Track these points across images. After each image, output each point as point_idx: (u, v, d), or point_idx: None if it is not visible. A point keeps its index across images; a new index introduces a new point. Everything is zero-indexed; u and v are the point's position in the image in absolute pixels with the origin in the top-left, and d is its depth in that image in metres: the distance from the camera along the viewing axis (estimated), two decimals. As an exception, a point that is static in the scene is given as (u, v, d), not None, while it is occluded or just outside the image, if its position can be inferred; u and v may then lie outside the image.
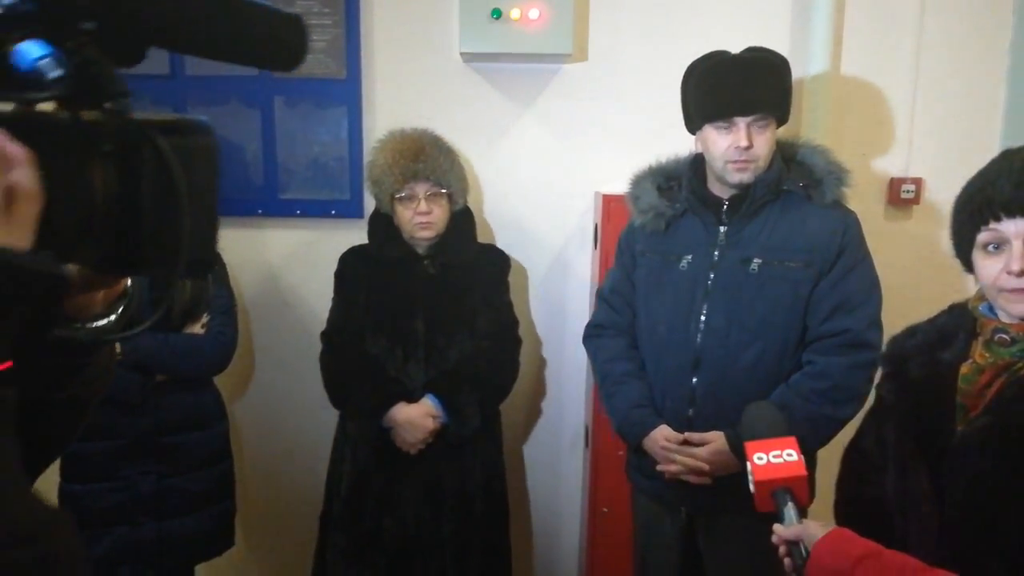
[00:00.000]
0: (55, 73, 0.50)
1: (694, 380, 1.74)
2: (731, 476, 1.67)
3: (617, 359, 1.87)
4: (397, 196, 2.05)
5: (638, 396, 1.80)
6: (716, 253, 1.73)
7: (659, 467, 1.75)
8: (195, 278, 0.63)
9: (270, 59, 0.63)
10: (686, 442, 1.73)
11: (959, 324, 1.24)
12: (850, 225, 1.70)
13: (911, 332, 1.31)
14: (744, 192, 1.71)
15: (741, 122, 1.65)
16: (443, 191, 2.06)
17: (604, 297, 1.97)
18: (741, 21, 2.34)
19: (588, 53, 2.41)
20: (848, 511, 1.42)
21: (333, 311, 2.18)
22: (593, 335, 1.97)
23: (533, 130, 2.45)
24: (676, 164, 1.87)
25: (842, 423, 1.64)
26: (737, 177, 1.68)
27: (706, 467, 1.69)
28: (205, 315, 2.04)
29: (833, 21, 2.31)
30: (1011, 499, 1.11)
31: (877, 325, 1.68)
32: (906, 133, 2.45)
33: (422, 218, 2.04)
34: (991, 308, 1.20)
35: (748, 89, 1.65)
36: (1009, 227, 1.11)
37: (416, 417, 2.01)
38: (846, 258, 1.67)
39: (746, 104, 1.65)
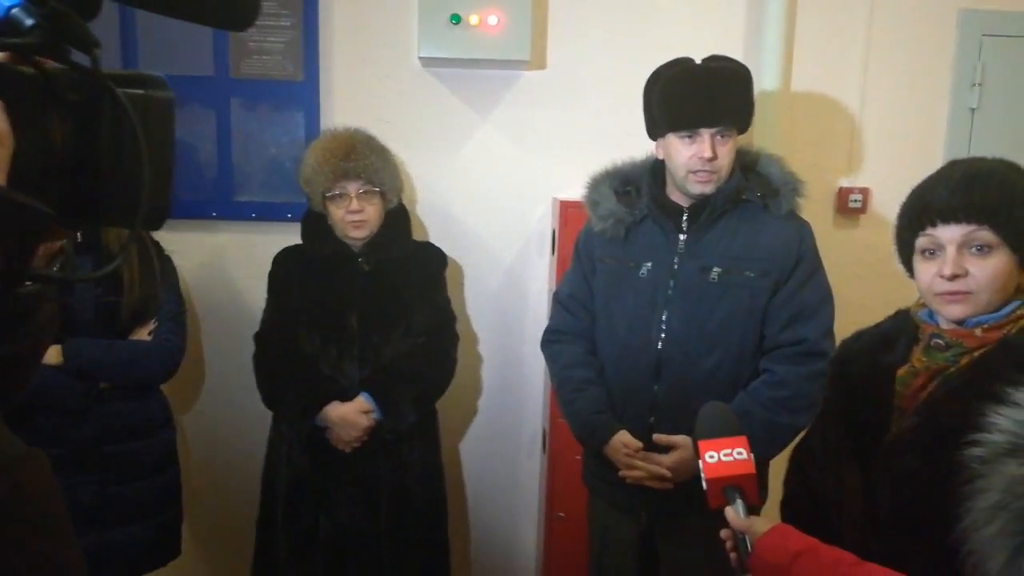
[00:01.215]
0: (30, 21, 0.50)
1: (655, 387, 1.75)
2: (693, 479, 1.69)
3: (576, 365, 1.87)
4: (328, 195, 2.05)
5: (597, 402, 1.81)
6: (676, 261, 1.76)
7: (621, 473, 1.76)
8: (151, 229, 0.64)
9: (223, 18, 0.63)
10: (648, 448, 1.74)
11: (902, 329, 1.29)
12: (805, 236, 1.74)
13: (857, 336, 1.36)
14: (704, 200, 1.73)
15: (706, 133, 1.67)
16: (375, 189, 2.05)
17: (561, 301, 1.97)
18: (697, 33, 2.39)
19: (546, 60, 2.43)
20: (792, 507, 1.45)
21: (266, 311, 2.17)
22: (551, 340, 1.97)
23: (491, 136, 2.46)
24: (633, 168, 1.88)
25: (798, 431, 1.67)
26: (699, 188, 1.71)
27: (669, 474, 1.71)
28: (153, 321, 2.00)
29: (784, 35, 2.38)
30: (933, 498, 1.14)
31: (831, 334, 1.72)
32: (854, 144, 2.53)
33: (354, 216, 2.03)
34: (931, 314, 1.24)
35: (714, 100, 1.67)
36: (944, 233, 1.15)
37: (350, 415, 2.00)
38: (802, 269, 1.71)
39: (712, 115, 1.67)
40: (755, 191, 1.76)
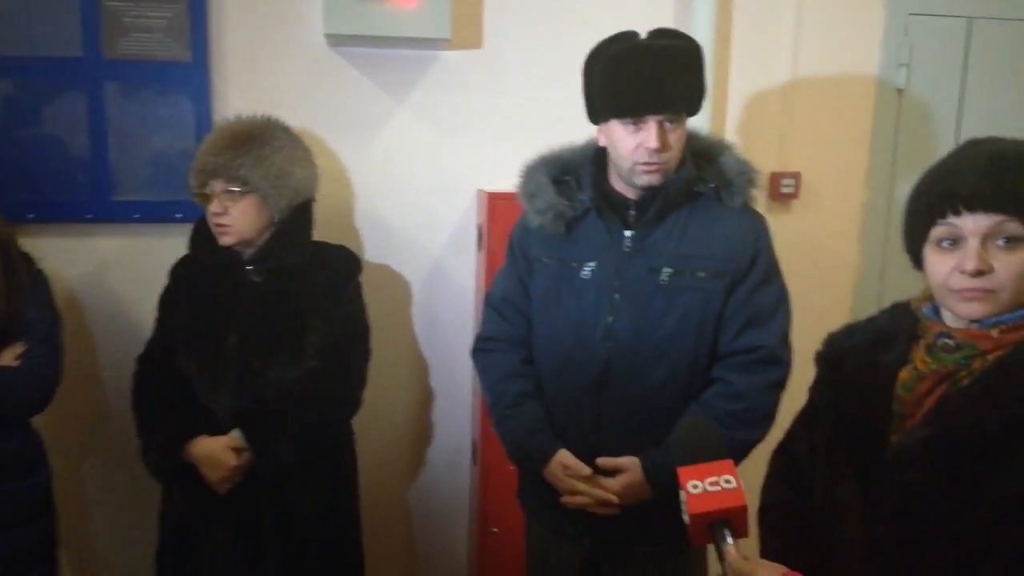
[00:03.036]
0: None
1: (600, 401, 1.58)
2: (640, 504, 1.54)
3: (510, 377, 1.68)
4: (195, 194, 1.81)
5: (535, 419, 1.62)
6: (622, 260, 1.58)
7: (563, 499, 1.58)
8: None
9: None
10: (596, 470, 1.57)
11: (900, 325, 1.16)
12: (761, 232, 1.60)
13: (849, 332, 1.23)
14: (653, 192, 1.56)
15: (652, 120, 1.50)
16: (235, 190, 1.77)
17: (494, 305, 1.77)
18: (629, 11, 2.24)
19: (469, 39, 2.23)
20: (773, 518, 1.33)
21: (153, 330, 1.90)
22: (483, 349, 1.76)
23: (409, 123, 2.25)
24: (572, 154, 1.69)
25: (755, 445, 1.54)
26: (645, 180, 1.54)
27: (616, 500, 1.54)
28: (21, 344, 1.70)
29: (716, 18, 2.27)
30: (942, 517, 1.04)
31: (788, 340, 1.59)
32: (785, 128, 2.45)
33: (215, 219, 1.78)
34: (935, 310, 1.12)
35: (661, 84, 1.49)
36: (967, 223, 1.03)
37: (215, 452, 1.73)
38: (758, 267, 1.57)
39: (659, 101, 1.49)
40: (708, 182, 1.60)
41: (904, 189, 2.46)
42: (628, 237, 1.58)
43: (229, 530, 1.79)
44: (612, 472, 1.56)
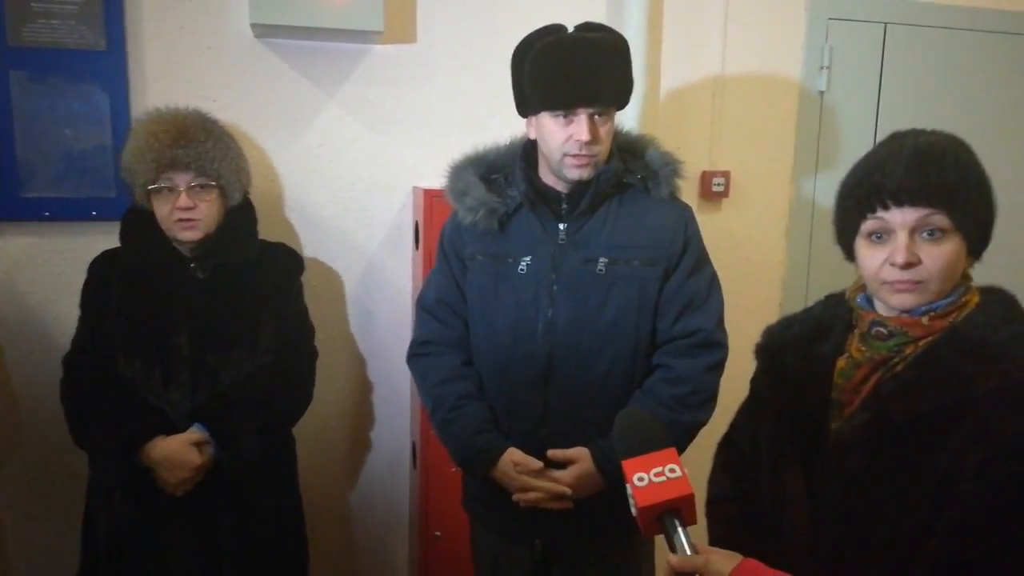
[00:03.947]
0: None
1: (545, 396, 1.57)
2: (590, 497, 1.53)
3: (450, 380, 1.65)
4: (152, 188, 1.70)
5: (479, 419, 1.60)
6: (557, 253, 1.58)
7: (515, 497, 1.56)
8: None
9: None
10: (546, 463, 1.55)
11: (836, 316, 1.19)
12: (689, 219, 1.63)
13: (787, 323, 1.25)
14: (584, 185, 1.56)
15: (583, 113, 1.50)
16: (210, 183, 1.73)
17: (427, 308, 1.73)
18: (562, 8, 2.23)
19: (402, 33, 2.18)
20: (720, 511, 1.34)
21: (78, 331, 1.78)
22: (420, 354, 1.72)
23: (340, 118, 2.18)
24: (498, 154, 1.68)
25: (699, 428, 1.57)
26: (576, 172, 1.54)
27: (569, 491, 1.53)
28: None
29: (648, 16, 2.28)
30: (884, 500, 1.06)
31: (723, 322, 1.62)
32: (714, 127, 2.49)
33: (183, 214, 1.70)
34: (868, 299, 1.15)
35: (592, 77, 1.49)
36: (895, 217, 1.06)
37: (176, 451, 1.65)
38: (689, 255, 1.60)
39: (589, 94, 1.49)
40: (635, 174, 1.62)
41: (826, 187, 2.58)
42: (562, 230, 1.58)
43: (184, 534, 1.71)
44: (563, 465, 1.55)
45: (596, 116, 1.51)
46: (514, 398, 1.60)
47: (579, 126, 1.49)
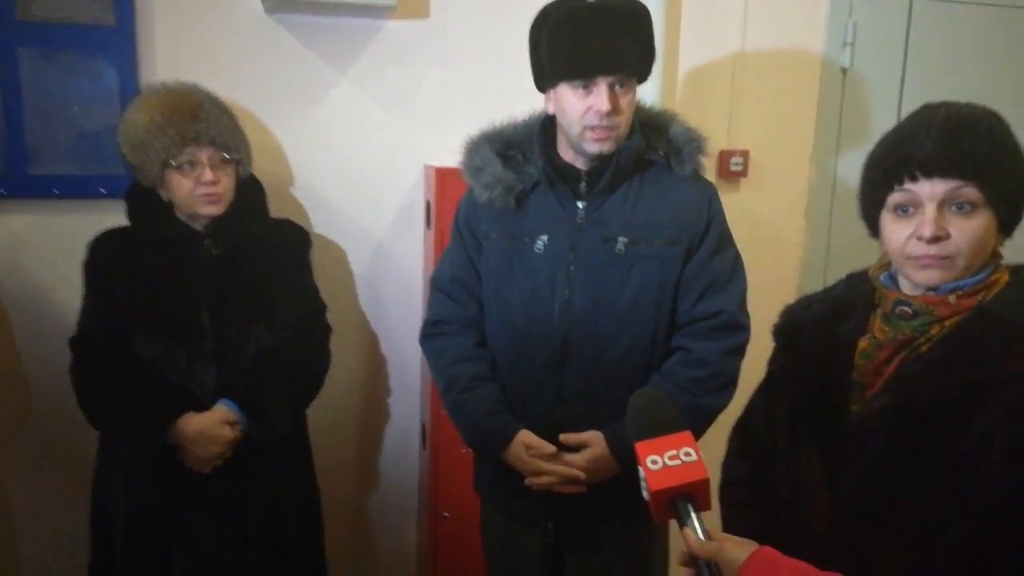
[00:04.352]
0: None
1: (560, 378, 1.54)
2: (603, 480, 1.50)
3: (463, 360, 1.62)
4: (174, 163, 1.67)
5: (492, 401, 1.57)
6: (576, 232, 1.54)
7: (528, 481, 1.53)
8: None
9: None
10: (559, 447, 1.52)
11: (857, 295, 1.15)
12: (712, 198, 1.58)
13: (807, 303, 1.21)
14: (604, 162, 1.52)
15: (603, 82, 1.45)
16: (229, 157, 1.72)
17: (442, 288, 1.70)
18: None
19: (415, 8, 2.14)
20: (734, 495, 1.31)
21: (86, 312, 1.75)
22: (433, 334, 1.69)
23: (350, 94, 2.15)
24: (516, 129, 1.64)
25: (719, 412, 1.53)
26: (596, 146, 1.49)
27: (583, 476, 1.50)
28: None
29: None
30: (906, 485, 1.03)
31: (745, 305, 1.58)
32: (733, 106, 2.43)
33: (208, 188, 1.68)
34: (892, 278, 1.11)
35: (612, 44, 1.44)
36: (924, 188, 1.01)
37: (210, 427, 1.65)
38: (712, 234, 1.55)
39: (610, 62, 1.44)
40: (658, 150, 1.57)
41: (847, 167, 2.52)
42: (581, 208, 1.54)
43: (213, 512, 1.71)
44: (576, 448, 1.52)
45: (617, 86, 1.46)
46: (528, 380, 1.57)
47: (599, 96, 1.45)
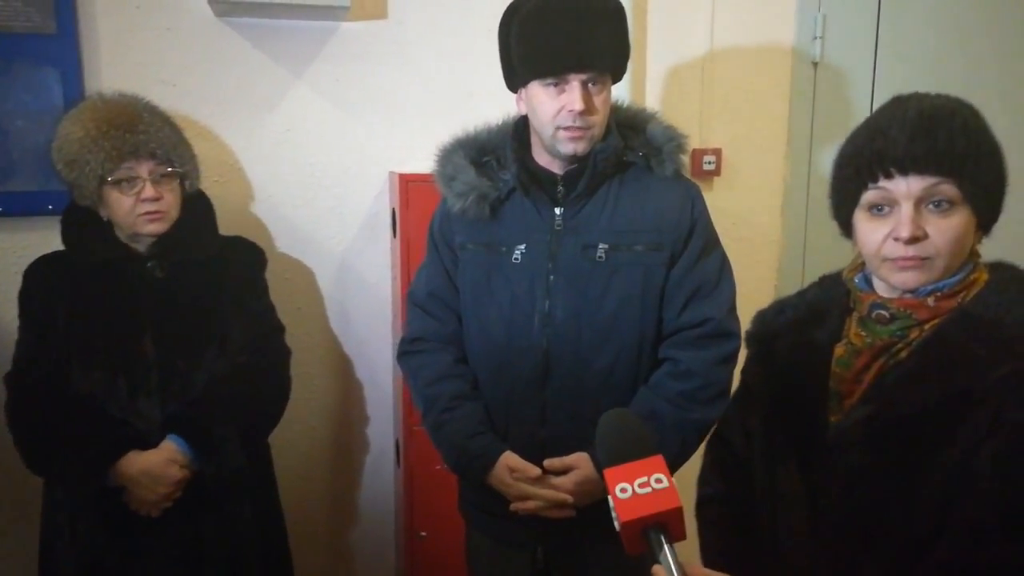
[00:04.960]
0: None
1: (543, 395, 1.47)
2: (593, 502, 1.43)
3: (443, 379, 1.54)
4: (111, 179, 1.57)
5: (474, 421, 1.50)
6: (554, 240, 1.47)
7: (513, 506, 1.46)
8: None
9: None
10: (543, 472, 1.45)
11: (832, 299, 1.09)
12: (696, 198, 1.51)
13: (779, 308, 1.15)
14: (580, 165, 1.45)
15: (575, 80, 1.38)
16: (173, 171, 1.62)
17: (419, 303, 1.63)
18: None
19: (371, 9, 2.06)
20: (711, 513, 1.25)
21: (21, 345, 1.64)
22: (411, 351, 1.62)
23: (308, 100, 2.07)
24: (489, 135, 1.57)
25: (711, 426, 1.45)
26: (570, 147, 1.42)
27: (570, 499, 1.43)
28: None
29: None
30: (889, 499, 0.97)
31: (735, 310, 1.52)
32: (704, 103, 2.38)
33: (149, 205, 1.58)
34: (867, 280, 1.05)
35: (584, 39, 1.37)
36: (900, 186, 0.96)
37: (155, 466, 1.54)
38: (697, 237, 1.48)
39: (582, 58, 1.38)
40: (636, 151, 1.51)
41: (822, 162, 2.47)
42: (558, 214, 1.48)
43: (166, 557, 1.60)
44: (561, 472, 1.46)
45: (590, 85, 1.40)
46: (511, 398, 1.50)
47: (571, 94, 1.38)
